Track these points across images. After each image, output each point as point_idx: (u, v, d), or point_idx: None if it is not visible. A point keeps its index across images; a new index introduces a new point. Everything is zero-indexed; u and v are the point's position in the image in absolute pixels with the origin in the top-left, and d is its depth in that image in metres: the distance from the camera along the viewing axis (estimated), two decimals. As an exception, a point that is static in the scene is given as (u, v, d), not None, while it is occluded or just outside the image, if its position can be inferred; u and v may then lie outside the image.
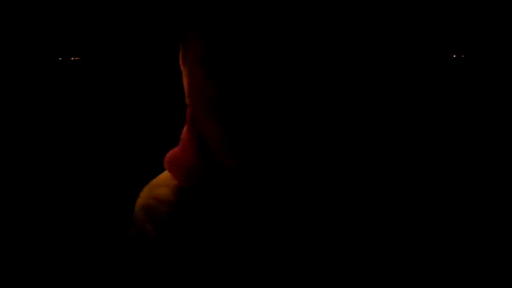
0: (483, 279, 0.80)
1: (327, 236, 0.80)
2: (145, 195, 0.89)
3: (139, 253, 0.83)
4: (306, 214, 0.80)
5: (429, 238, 0.81)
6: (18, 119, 5.15)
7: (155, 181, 0.91)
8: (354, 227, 0.80)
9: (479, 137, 4.60)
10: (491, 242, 0.82)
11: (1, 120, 5.01)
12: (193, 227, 0.83)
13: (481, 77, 5.36)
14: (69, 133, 5.12)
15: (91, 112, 5.35)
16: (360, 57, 0.79)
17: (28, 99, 5.37)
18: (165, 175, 0.91)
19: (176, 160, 0.88)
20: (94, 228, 0.88)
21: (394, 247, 0.80)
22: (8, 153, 4.68)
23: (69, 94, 5.52)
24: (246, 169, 0.78)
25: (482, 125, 4.78)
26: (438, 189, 0.86)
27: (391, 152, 0.86)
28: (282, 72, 0.74)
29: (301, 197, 0.80)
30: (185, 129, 0.88)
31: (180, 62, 0.86)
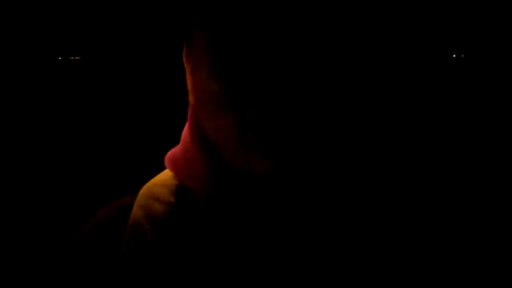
0: (483, 279, 0.80)
1: (331, 237, 0.79)
2: (144, 194, 0.88)
3: (137, 253, 0.82)
4: (311, 215, 0.79)
5: (429, 238, 0.81)
6: (18, 118, 5.15)
7: (154, 180, 0.90)
8: (358, 228, 0.80)
9: (479, 137, 4.59)
10: (491, 242, 0.82)
11: (1, 120, 5.01)
12: (192, 228, 0.82)
13: (481, 77, 5.36)
14: (69, 132, 5.11)
15: (91, 111, 5.35)
16: (363, 53, 0.79)
17: (28, 99, 5.37)
18: (164, 175, 0.90)
19: (178, 159, 0.87)
20: (92, 229, 0.87)
21: (395, 247, 0.80)
22: (7, 152, 4.67)
23: (68, 94, 5.52)
24: (253, 168, 0.77)
25: (482, 124, 4.78)
26: (438, 189, 0.86)
27: (391, 152, 0.86)
28: (289, 67, 0.74)
29: (308, 198, 0.79)
30: (186, 127, 0.87)
31: (184, 60, 0.85)
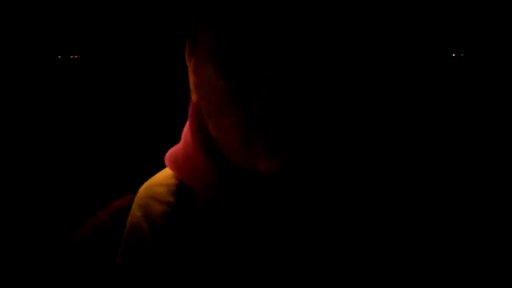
0: (483, 279, 0.80)
1: (337, 238, 0.78)
2: (143, 193, 0.87)
3: (135, 253, 0.81)
4: (316, 216, 0.78)
5: (429, 239, 0.81)
6: (17, 117, 5.15)
7: (153, 179, 0.89)
8: (363, 228, 0.79)
9: (479, 136, 4.59)
10: (491, 242, 0.82)
11: (0, 119, 5.01)
12: (192, 229, 0.81)
13: (481, 76, 5.36)
14: (69, 131, 5.11)
15: (90, 110, 5.35)
16: (365, 53, 0.79)
17: (28, 97, 5.37)
18: (164, 174, 0.88)
19: (178, 157, 0.86)
20: (91, 229, 0.86)
21: (395, 248, 0.79)
22: (6, 151, 4.67)
23: (68, 93, 5.52)
24: (258, 167, 0.76)
25: (482, 124, 4.78)
26: (439, 189, 0.86)
27: (391, 152, 0.85)
28: (296, 66, 0.73)
29: (313, 199, 0.78)
30: (187, 126, 0.86)
31: (186, 58, 0.84)
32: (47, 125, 5.14)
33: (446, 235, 0.81)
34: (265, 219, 0.78)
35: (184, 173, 0.84)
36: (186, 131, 0.86)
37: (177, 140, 0.88)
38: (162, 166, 0.89)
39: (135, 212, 0.84)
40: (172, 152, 0.87)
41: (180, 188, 0.84)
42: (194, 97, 0.82)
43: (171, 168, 0.86)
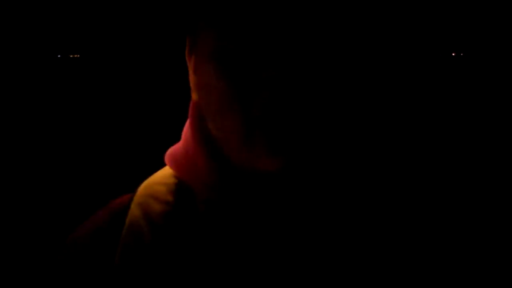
0: (483, 279, 0.80)
1: (338, 237, 0.78)
2: (142, 192, 0.86)
3: (133, 253, 0.81)
4: (317, 216, 0.78)
5: (429, 239, 0.81)
6: (17, 116, 5.15)
7: (153, 178, 0.89)
8: (359, 228, 0.79)
9: (478, 136, 4.59)
10: (491, 242, 0.82)
11: (0, 118, 5.00)
12: (192, 228, 0.81)
13: (480, 75, 5.36)
14: (69, 130, 5.11)
15: (91, 109, 5.34)
16: (365, 52, 0.79)
17: (27, 97, 5.37)
18: (163, 172, 0.88)
19: (178, 156, 0.86)
20: (90, 228, 0.86)
21: (395, 247, 0.79)
22: (6, 150, 4.67)
23: (68, 92, 5.51)
24: (259, 166, 0.76)
25: (481, 123, 4.78)
26: (439, 189, 0.86)
27: (391, 151, 0.86)
28: (296, 65, 0.73)
29: (314, 198, 0.78)
30: (187, 125, 0.86)
31: (187, 57, 0.84)
32: (47, 124, 5.13)
33: (446, 234, 0.81)
34: (265, 218, 0.77)
35: (184, 172, 0.84)
36: (186, 130, 0.86)
37: (177, 139, 0.88)
38: (162, 165, 0.89)
39: (134, 211, 0.84)
40: (172, 151, 0.87)
41: (180, 187, 0.84)
42: (194, 96, 0.82)
43: (171, 167, 0.86)
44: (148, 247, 0.80)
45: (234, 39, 0.74)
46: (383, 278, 0.77)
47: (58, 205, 3.84)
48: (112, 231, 0.83)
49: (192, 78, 0.82)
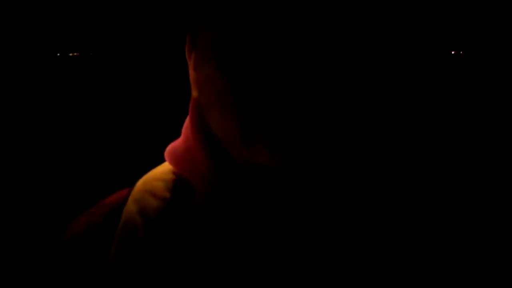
0: (483, 279, 0.79)
1: (334, 234, 0.78)
2: (139, 187, 0.86)
3: (127, 249, 0.80)
4: (317, 212, 0.78)
5: (430, 239, 0.80)
6: (17, 115, 5.15)
7: (151, 173, 0.88)
8: (360, 225, 0.79)
9: (478, 134, 4.59)
10: (491, 242, 0.82)
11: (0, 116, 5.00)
12: (188, 226, 0.81)
13: (480, 73, 5.36)
14: (68, 128, 5.11)
15: (90, 107, 5.34)
16: (364, 50, 0.78)
17: (27, 95, 5.37)
18: (162, 168, 0.88)
19: (178, 151, 0.85)
20: (86, 224, 0.86)
21: (395, 245, 0.79)
22: (5, 148, 4.67)
23: (67, 90, 5.51)
24: (258, 162, 0.75)
25: (481, 121, 4.78)
26: (439, 189, 0.86)
27: (391, 146, 0.85)
28: (296, 62, 0.73)
29: (314, 194, 0.78)
30: (187, 121, 0.86)
31: (187, 54, 0.84)
32: (46, 122, 5.13)
33: (446, 234, 0.81)
34: (264, 214, 0.77)
35: (183, 168, 0.84)
36: (186, 126, 0.86)
37: (177, 135, 0.88)
38: (162, 161, 0.89)
39: (131, 206, 0.83)
40: (172, 147, 0.87)
41: (178, 184, 0.84)
42: (194, 93, 0.82)
43: (171, 163, 0.85)
44: (143, 244, 0.79)
45: (234, 36, 0.74)
46: (383, 274, 0.77)
47: (57, 203, 3.84)
48: (107, 227, 0.83)
49: (192, 75, 0.82)
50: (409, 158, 0.86)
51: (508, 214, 0.81)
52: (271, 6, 0.73)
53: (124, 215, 0.82)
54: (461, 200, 0.83)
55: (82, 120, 5.17)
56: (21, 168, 4.44)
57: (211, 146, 0.80)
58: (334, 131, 0.77)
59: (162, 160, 0.89)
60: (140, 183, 0.86)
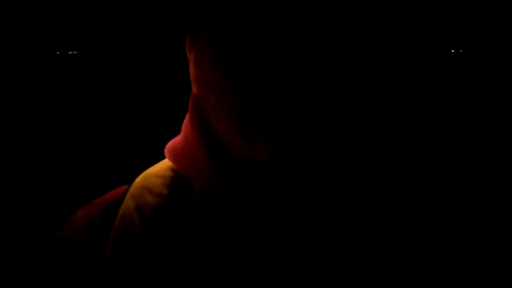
0: (483, 279, 0.79)
1: (332, 231, 0.78)
2: (138, 183, 0.86)
3: (123, 246, 0.80)
4: (315, 210, 0.78)
5: (429, 238, 0.80)
6: (16, 113, 5.15)
7: (150, 170, 0.88)
8: (358, 221, 0.79)
9: (477, 133, 4.59)
10: (491, 242, 0.82)
11: (-1, 114, 5.00)
12: (185, 223, 0.80)
13: (480, 72, 5.36)
14: (68, 126, 5.11)
15: (90, 105, 5.34)
16: (364, 47, 0.78)
17: (26, 93, 5.37)
18: (162, 165, 0.88)
19: (178, 148, 0.85)
20: (82, 220, 0.86)
21: (395, 248, 0.79)
22: (4, 146, 4.67)
23: (67, 88, 5.51)
24: (257, 158, 0.75)
25: (481, 120, 4.78)
26: (439, 189, 0.86)
27: (389, 142, 0.85)
28: (295, 59, 0.73)
29: (312, 191, 0.78)
30: (187, 118, 0.86)
31: (187, 50, 0.84)
32: (46, 120, 5.13)
33: (446, 233, 0.80)
34: (263, 211, 0.77)
35: (183, 164, 0.84)
36: (186, 122, 0.86)
37: (177, 132, 0.88)
38: (162, 158, 0.89)
39: (128, 202, 0.83)
40: (172, 144, 0.87)
41: (176, 180, 0.84)
42: (194, 89, 0.82)
43: (170, 159, 0.85)
44: (139, 240, 0.79)
45: (234, 31, 0.74)
46: (382, 271, 0.77)
47: (56, 199, 3.84)
48: (104, 223, 0.83)
49: (192, 71, 0.82)
50: (407, 155, 0.86)
51: (508, 214, 0.81)
52: (270, 2, 0.73)
53: (122, 211, 0.82)
54: (461, 200, 0.83)
55: (82, 118, 5.17)
56: (20, 166, 4.44)
57: (210, 143, 0.80)
58: (333, 128, 0.77)
59: (162, 157, 0.89)
60: (138, 179, 0.86)
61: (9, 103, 5.15)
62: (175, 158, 0.85)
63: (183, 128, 0.86)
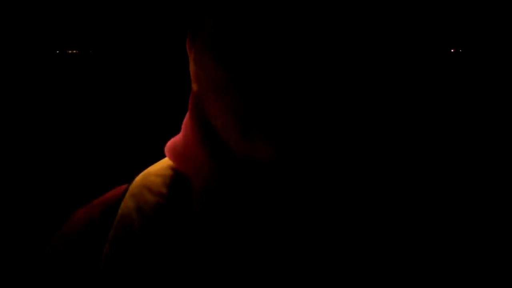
0: (483, 279, 0.79)
1: (331, 229, 0.78)
2: (137, 182, 0.86)
3: (122, 245, 0.80)
4: (315, 208, 0.78)
5: (429, 238, 0.80)
6: (15, 113, 5.14)
7: (150, 168, 0.88)
8: (357, 220, 0.79)
9: (478, 134, 4.60)
10: (491, 242, 0.82)
11: (-2, 113, 5.00)
12: (183, 222, 0.80)
13: (480, 72, 5.36)
14: (67, 126, 5.11)
15: (89, 104, 5.34)
16: (364, 46, 0.79)
17: (26, 92, 5.36)
18: (161, 164, 0.88)
19: (177, 146, 0.85)
20: (82, 220, 0.86)
21: (395, 248, 0.79)
22: (4, 146, 4.67)
23: (66, 87, 5.51)
24: (257, 155, 0.75)
25: (481, 121, 4.78)
26: (439, 189, 0.86)
27: (388, 141, 0.85)
28: (295, 54, 0.73)
29: (311, 189, 0.78)
30: (187, 116, 0.86)
31: (187, 48, 0.84)
32: (45, 119, 5.13)
33: (446, 232, 0.80)
34: (263, 210, 0.77)
35: (182, 163, 0.84)
36: (186, 121, 0.86)
37: (177, 131, 0.88)
38: (162, 157, 0.89)
39: (128, 201, 0.83)
40: (172, 142, 0.87)
41: (176, 179, 0.84)
42: (194, 86, 0.83)
43: (170, 158, 0.86)
44: (138, 239, 0.79)
45: (232, 29, 0.74)
46: (381, 268, 0.77)
47: (56, 198, 3.84)
48: (104, 222, 0.83)
49: (192, 68, 0.83)
50: (407, 154, 0.86)
51: (508, 214, 0.80)
52: (270, 2, 0.73)
53: (121, 210, 0.82)
54: (461, 200, 0.83)
55: (81, 117, 5.17)
56: (19, 165, 4.44)
57: (210, 142, 0.80)
58: (333, 125, 0.77)
59: (162, 156, 0.89)
60: (138, 178, 0.86)
61: (8, 102, 5.15)
62: (175, 157, 0.85)
63: (183, 127, 0.86)
